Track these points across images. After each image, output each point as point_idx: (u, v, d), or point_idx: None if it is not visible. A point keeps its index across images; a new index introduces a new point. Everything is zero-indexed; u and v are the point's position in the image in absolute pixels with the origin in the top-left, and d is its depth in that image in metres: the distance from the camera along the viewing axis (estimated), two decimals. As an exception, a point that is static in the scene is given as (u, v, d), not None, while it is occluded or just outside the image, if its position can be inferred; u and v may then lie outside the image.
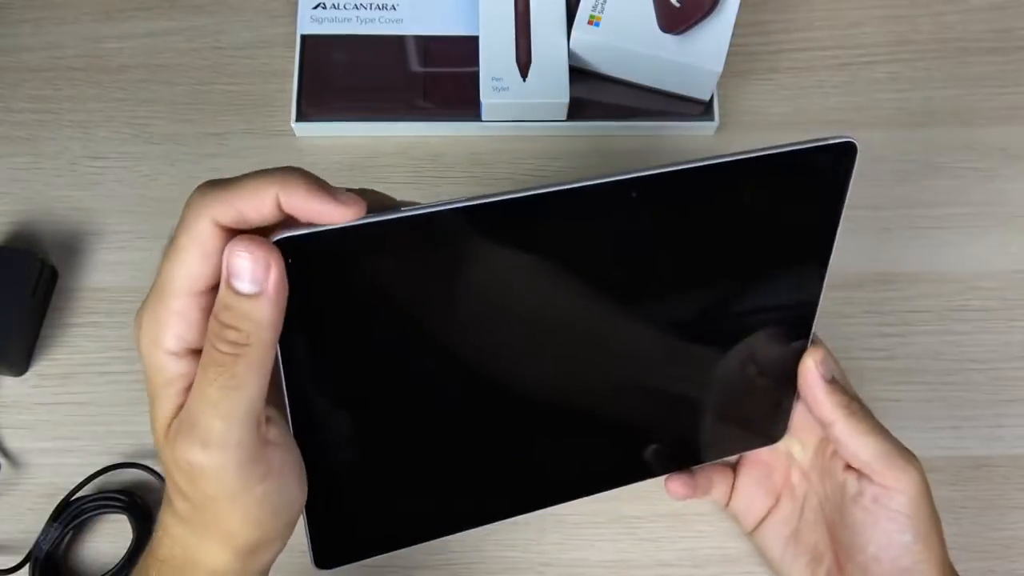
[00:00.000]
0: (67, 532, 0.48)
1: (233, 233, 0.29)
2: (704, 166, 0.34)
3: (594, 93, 0.57)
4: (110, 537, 0.49)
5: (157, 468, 0.49)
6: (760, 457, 0.44)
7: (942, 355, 0.52)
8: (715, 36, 0.54)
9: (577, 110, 0.56)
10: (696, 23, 0.54)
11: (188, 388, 0.30)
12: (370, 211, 0.30)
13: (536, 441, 0.40)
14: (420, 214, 0.31)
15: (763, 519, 0.45)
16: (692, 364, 0.40)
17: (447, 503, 0.40)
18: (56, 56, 0.58)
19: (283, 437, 0.32)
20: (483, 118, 0.56)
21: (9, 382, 0.52)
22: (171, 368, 0.30)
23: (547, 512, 0.49)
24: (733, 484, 0.45)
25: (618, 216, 0.34)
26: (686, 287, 0.38)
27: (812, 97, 0.58)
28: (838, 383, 0.41)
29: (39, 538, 0.47)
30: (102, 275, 0.54)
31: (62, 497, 0.48)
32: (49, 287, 0.53)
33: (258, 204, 0.29)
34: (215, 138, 0.57)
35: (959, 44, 0.59)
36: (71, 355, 0.52)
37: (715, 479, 0.45)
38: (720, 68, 0.54)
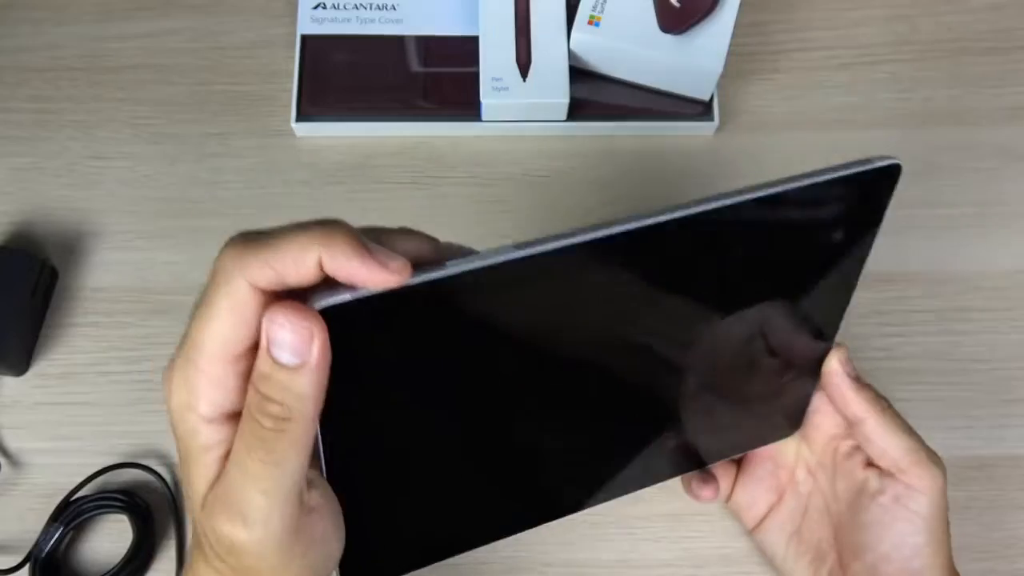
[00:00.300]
0: (67, 532, 0.48)
1: (270, 295, 0.27)
2: (750, 199, 0.33)
3: (594, 93, 0.57)
4: (110, 537, 0.49)
5: (157, 468, 0.49)
6: (765, 453, 0.44)
7: (943, 355, 0.52)
8: (715, 36, 0.54)
9: (577, 110, 0.56)
10: (696, 23, 0.54)
11: (226, 455, 0.29)
12: (413, 263, 0.28)
13: (562, 453, 0.40)
14: (467, 270, 0.29)
15: (765, 516, 0.45)
16: (717, 367, 0.40)
17: (469, 527, 0.40)
18: (56, 56, 0.58)
19: (324, 498, 0.31)
20: (483, 118, 0.56)
21: (9, 382, 0.52)
22: (207, 434, 0.28)
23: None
24: (736, 479, 0.45)
25: (656, 255, 0.33)
26: (724, 309, 0.37)
27: (812, 97, 0.58)
28: (864, 381, 0.41)
29: (39, 538, 0.47)
30: (102, 275, 0.54)
31: (62, 497, 0.48)
32: (49, 287, 0.53)
33: (298, 267, 0.27)
34: (215, 138, 0.56)
35: (959, 44, 0.59)
36: (71, 355, 0.52)
37: (720, 475, 0.45)
38: (720, 68, 0.54)
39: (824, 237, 0.37)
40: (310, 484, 0.30)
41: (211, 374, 0.28)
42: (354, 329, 0.28)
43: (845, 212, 0.37)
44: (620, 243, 0.31)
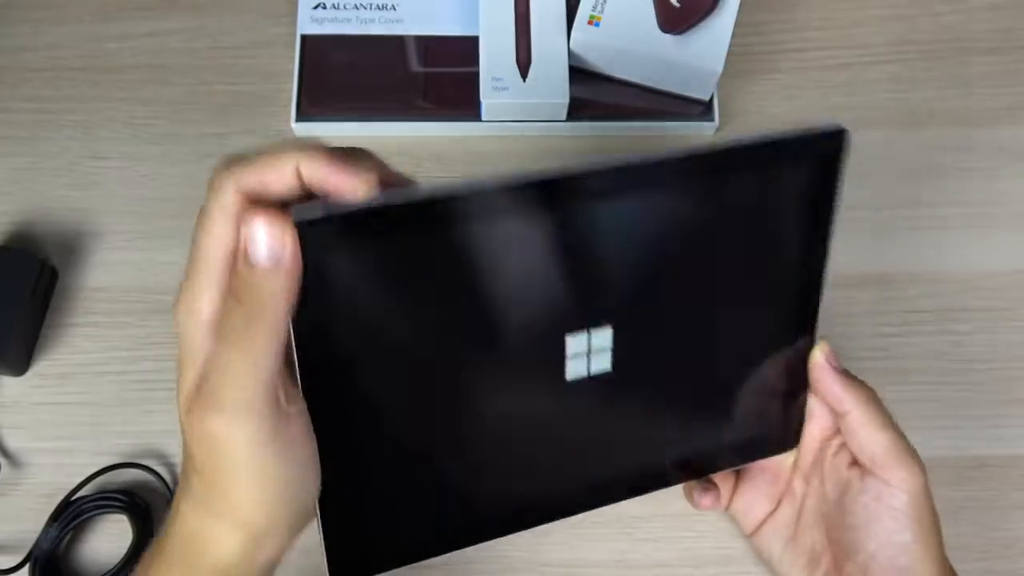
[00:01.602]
0: (67, 532, 0.48)
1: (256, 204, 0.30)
2: (699, 154, 0.35)
3: (594, 93, 0.57)
4: (110, 537, 0.49)
5: (157, 468, 0.49)
6: (763, 464, 0.44)
7: (942, 355, 0.52)
8: (715, 36, 0.54)
9: (577, 110, 0.56)
10: (696, 23, 0.54)
11: None
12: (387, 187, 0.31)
13: (554, 449, 0.40)
14: (444, 193, 0.32)
15: (763, 522, 0.45)
16: (701, 369, 0.40)
17: (464, 516, 0.39)
18: (56, 56, 0.58)
19: (301, 413, 0.32)
20: (483, 118, 0.56)
21: (9, 382, 0.52)
22: (201, 337, 0.31)
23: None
24: (735, 487, 0.45)
25: (627, 202, 0.35)
26: (688, 283, 0.38)
27: (812, 97, 0.58)
28: (850, 374, 0.41)
29: (39, 538, 0.47)
30: (102, 275, 0.54)
31: (62, 497, 0.48)
32: (49, 287, 0.53)
33: (280, 174, 0.30)
34: (215, 138, 0.57)
35: (959, 44, 0.59)
36: (71, 355, 0.52)
37: (720, 483, 0.45)
38: (720, 68, 0.54)
39: (778, 212, 0.38)
40: (289, 398, 0.31)
41: (209, 274, 0.31)
42: (328, 242, 0.31)
43: (794, 181, 0.37)
44: (569, 186, 0.34)
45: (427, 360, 0.35)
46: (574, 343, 0.37)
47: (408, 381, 0.35)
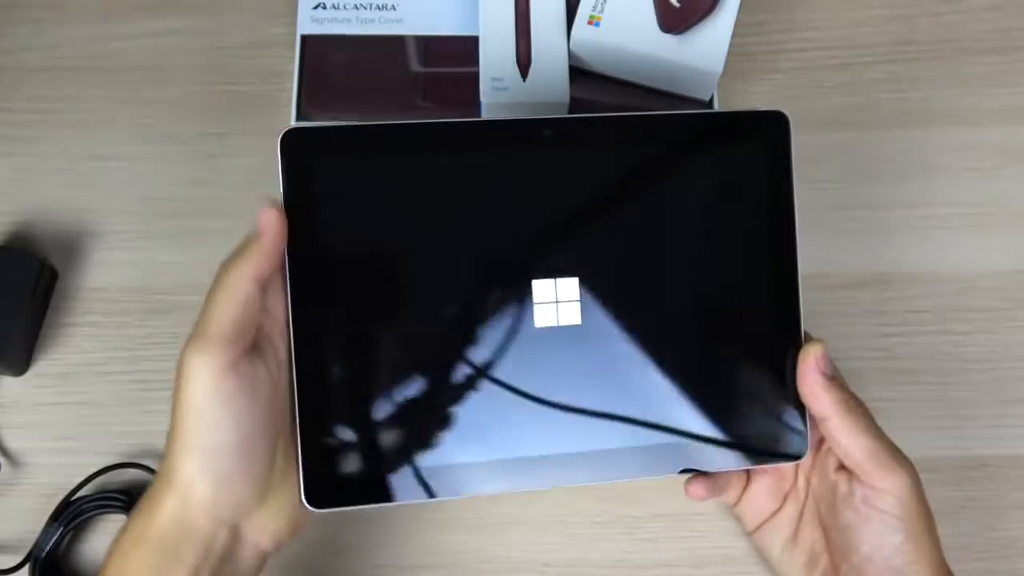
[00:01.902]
0: (67, 532, 0.48)
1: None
2: (652, 115, 0.42)
3: (594, 93, 0.57)
4: (110, 537, 0.48)
5: (157, 468, 0.49)
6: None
7: (942, 355, 0.52)
8: (715, 36, 0.54)
9: (577, 110, 0.56)
10: (696, 23, 0.54)
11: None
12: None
13: (529, 404, 0.41)
14: (417, 123, 0.40)
15: (766, 520, 0.45)
16: (677, 344, 0.42)
17: (437, 465, 0.40)
18: (56, 56, 0.58)
19: (275, 366, 0.39)
20: (483, 118, 0.56)
21: (9, 382, 0.52)
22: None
23: (548, 512, 0.49)
24: (746, 486, 0.45)
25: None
26: (652, 248, 0.41)
27: (812, 97, 0.58)
28: (838, 380, 0.41)
29: (39, 538, 0.47)
30: (102, 275, 0.54)
31: (62, 497, 0.48)
32: (49, 287, 0.53)
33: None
34: (215, 138, 0.56)
35: (959, 44, 0.59)
36: (71, 355, 0.52)
37: (732, 481, 0.45)
38: (720, 68, 0.54)
39: (729, 182, 0.42)
40: (264, 345, 0.38)
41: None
42: (307, 150, 0.39)
43: (742, 158, 0.42)
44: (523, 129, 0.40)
45: (401, 288, 0.40)
46: (541, 289, 0.40)
47: (385, 312, 0.40)
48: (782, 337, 0.42)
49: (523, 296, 0.40)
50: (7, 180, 0.56)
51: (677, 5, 0.54)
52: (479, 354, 0.40)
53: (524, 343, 0.40)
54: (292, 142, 0.39)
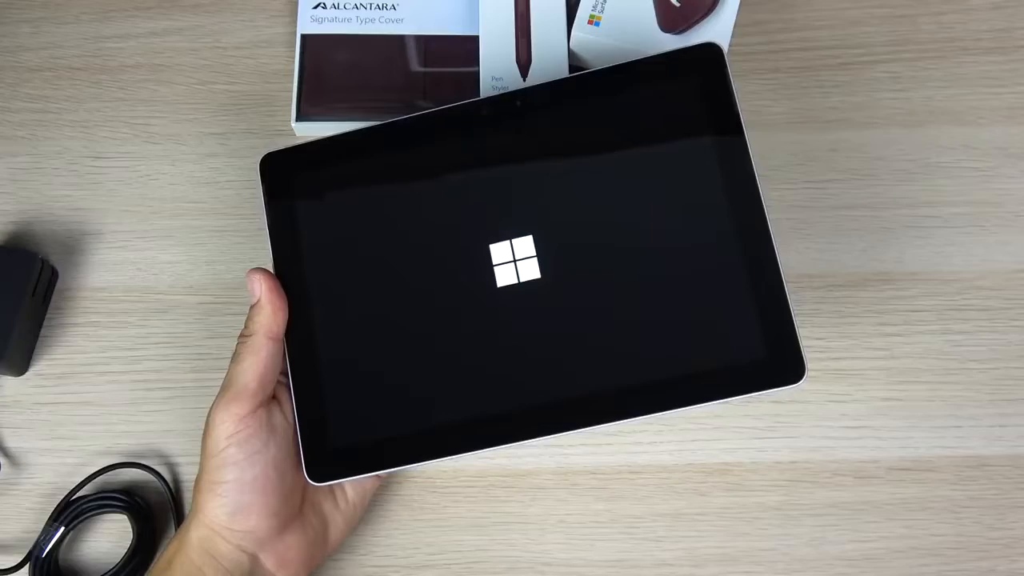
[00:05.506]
0: (67, 532, 0.48)
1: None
2: (580, 76, 0.44)
3: (594, 93, 0.57)
4: (110, 537, 0.49)
5: (157, 468, 0.49)
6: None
7: (943, 355, 0.52)
8: (715, 36, 0.54)
9: (577, 110, 0.56)
10: (696, 23, 0.54)
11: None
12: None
13: (503, 359, 0.43)
14: (370, 129, 0.46)
15: None
16: (635, 283, 0.43)
17: (436, 420, 0.43)
18: (56, 56, 0.58)
19: (285, 415, 0.44)
20: (483, 118, 0.56)
21: (9, 382, 0.52)
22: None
23: (548, 511, 0.49)
24: None
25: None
26: (602, 195, 0.43)
27: (812, 97, 0.58)
28: None
29: (39, 538, 0.47)
30: (102, 275, 0.54)
31: (62, 497, 0.48)
32: (49, 287, 0.53)
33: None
34: (215, 138, 0.57)
35: (959, 44, 0.59)
36: (71, 355, 0.52)
37: None
38: (720, 68, 0.54)
39: (673, 119, 0.44)
40: (283, 396, 0.44)
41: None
42: (283, 168, 0.46)
43: (683, 92, 0.44)
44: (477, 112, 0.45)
45: (379, 274, 0.44)
46: (499, 251, 0.43)
47: (368, 296, 0.44)
48: (754, 256, 0.41)
49: (483, 260, 0.43)
50: (7, 180, 0.56)
51: (677, 5, 0.54)
52: (451, 320, 0.43)
53: (489, 303, 0.43)
54: (270, 165, 0.46)
